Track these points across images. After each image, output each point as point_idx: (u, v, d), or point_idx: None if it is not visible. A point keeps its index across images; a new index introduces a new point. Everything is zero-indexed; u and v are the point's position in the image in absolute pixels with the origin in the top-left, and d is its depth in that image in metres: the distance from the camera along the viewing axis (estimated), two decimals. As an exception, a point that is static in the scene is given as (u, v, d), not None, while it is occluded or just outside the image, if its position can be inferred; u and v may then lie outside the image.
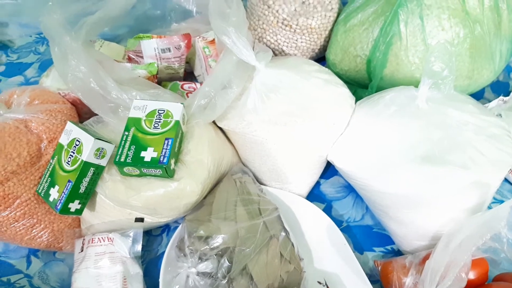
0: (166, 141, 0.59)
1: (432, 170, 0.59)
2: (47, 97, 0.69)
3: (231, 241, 0.59)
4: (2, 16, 0.96)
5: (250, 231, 0.60)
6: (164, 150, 0.58)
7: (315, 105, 0.67)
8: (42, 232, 0.63)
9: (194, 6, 0.84)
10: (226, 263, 0.58)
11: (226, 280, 0.57)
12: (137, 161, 0.58)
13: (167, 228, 0.70)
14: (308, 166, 0.71)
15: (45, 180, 0.60)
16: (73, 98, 0.73)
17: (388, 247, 0.69)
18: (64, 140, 0.61)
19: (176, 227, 0.66)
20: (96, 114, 0.71)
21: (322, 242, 0.67)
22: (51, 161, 0.61)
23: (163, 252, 0.66)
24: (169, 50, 0.79)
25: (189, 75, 0.88)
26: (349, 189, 0.75)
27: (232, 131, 0.70)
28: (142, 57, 0.79)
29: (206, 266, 0.59)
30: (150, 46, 0.78)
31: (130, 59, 0.80)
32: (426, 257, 0.59)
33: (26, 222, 0.61)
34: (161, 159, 0.58)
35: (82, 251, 0.61)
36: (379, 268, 0.65)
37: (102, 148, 0.59)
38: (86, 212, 0.62)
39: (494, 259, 0.57)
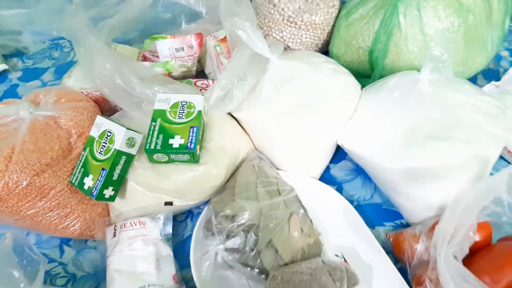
0: (191, 129, 0.64)
1: (437, 146, 0.65)
2: (72, 95, 0.73)
3: (255, 218, 0.63)
4: (16, 25, 1.00)
5: (271, 208, 0.65)
6: (190, 137, 0.63)
7: (325, 93, 0.72)
8: (75, 221, 0.66)
9: (204, 8, 0.89)
10: (253, 238, 0.62)
11: (253, 253, 0.62)
12: (167, 148, 0.62)
13: (190, 214, 0.74)
14: (320, 151, 0.76)
15: (78, 171, 0.64)
16: (96, 96, 0.77)
17: (397, 222, 0.74)
18: (94, 132, 0.65)
19: (199, 213, 0.70)
20: (117, 111, 0.76)
21: (337, 219, 0.71)
22: (82, 153, 0.65)
23: (189, 236, 0.71)
24: (183, 49, 0.84)
25: (200, 74, 0.92)
26: (358, 171, 0.81)
27: (248, 121, 0.75)
28: (157, 56, 0.84)
29: (233, 242, 0.63)
30: (165, 46, 0.83)
31: (145, 59, 0.85)
32: (435, 224, 0.64)
33: (60, 211, 0.65)
34: (189, 145, 0.62)
35: (114, 236, 0.65)
36: (391, 239, 0.70)
37: (132, 138, 0.63)
38: (116, 200, 0.66)
39: (496, 223, 0.63)
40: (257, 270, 0.62)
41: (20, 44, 0.97)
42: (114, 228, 0.66)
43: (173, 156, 0.63)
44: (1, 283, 0.47)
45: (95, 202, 0.68)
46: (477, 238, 0.62)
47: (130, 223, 0.65)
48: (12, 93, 0.90)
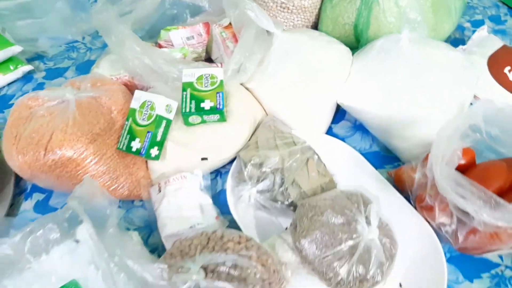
0: (217, 94, 0.76)
1: (423, 93, 0.79)
2: (105, 81, 0.84)
3: (279, 163, 0.75)
4: (32, 33, 1.10)
5: (291, 154, 0.76)
6: (218, 100, 0.75)
7: (323, 60, 0.86)
8: (123, 183, 0.76)
9: (206, 2, 1.01)
10: (279, 179, 0.74)
11: (281, 190, 0.73)
12: (200, 110, 0.73)
13: (219, 173, 0.84)
14: (322, 110, 0.88)
15: (124, 138, 0.74)
16: (124, 81, 0.88)
17: (395, 164, 0.87)
18: (135, 104, 0.76)
19: (226, 172, 0.81)
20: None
21: (344, 163, 0.83)
22: (126, 122, 0.75)
23: (221, 190, 0.81)
24: (193, 37, 0.96)
25: (207, 60, 1.04)
26: (356, 128, 0.94)
27: (258, 90, 0.87)
28: (172, 45, 0.95)
29: (263, 185, 0.74)
30: (178, 36, 0.95)
31: (161, 47, 0.96)
32: (427, 155, 0.78)
33: (111, 175, 0.75)
34: (218, 106, 0.74)
35: (160, 191, 0.75)
36: (393, 175, 0.83)
37: (170, 105, 0.74)
38: (157, 163, 0.77)
39: (477, 149, 0.76)
40: (286, 203, 0.73)
41: (39, 49, 1.06)
42: (159, 185, 0.76)
43: (205, 117, 0.74)
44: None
45: (138, 166, 0.79)
46: (462, 161, 0.76)
47: (173, 178, 0.75)
48: (40, 89, 0.99)
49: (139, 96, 0.76)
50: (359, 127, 0.93)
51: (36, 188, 0.81)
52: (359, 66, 0.86)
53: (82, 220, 0.58)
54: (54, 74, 1.03)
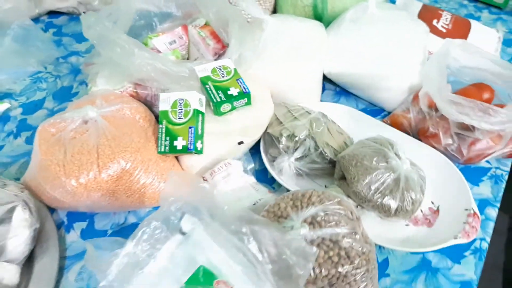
0: (238, 81, 0.81)
1: (393, 48, 0.94)
2: (114, 95, 0.83)
3: (307, 130, 0.83)
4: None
5: (312, 121, 0.85)
6: (241, 86, 0.80)
7: (305, 37, 0.96)
8: (170, 185, 0.77)
9: (173, 8, 1.05)
10: (312, 143, 0.82)
11: (317, 152, 0.82)
12: (229, 97, 0.78)
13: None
14: (314, 81, 0.99)
15: (164, 140, 0.76)
16: (129, 92, 0.88)
17: (382, 114, 1.01)
18: (165, 107, 0.77)
19: (252, 154, 0.87)
20: (146, 103, 0.88)
21: (346, 121, 0.94)
22: (160, 126, 0.76)
23: (255, 170, 0.87)
24: (175, 41, 0.99)
25: (185, 63, 1.07)
26: (338, 93, 1.06)
27: (257, 73, 0.94)
28: (158, 51, 0.97)
29: (299, 152, 0.82)
30: (160, 42, 0.97)
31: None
32: (415, 96, 0.93)
33: (159, 179, 0.75)
34: (244, 91, 0.80)
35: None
36: (389, 121, 0.96)
37: (201, 99, 0.78)
38: (196, 158, 0.79)
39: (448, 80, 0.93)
40: (325, 162, 0.82)
41: (3, 87, 0.99)
42: (204, 178, 0.79)
43: (235, 103, 0.79)
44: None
45: (176, 168, 0.80)
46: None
47: (218, 167, 0.79)
48: (25, 126, 0.93)
49: (167, 98, 0.78)
50: (341, 93, 1.06)
51: (73, 219, 0.77)
52: (335, 37, 0.99)
53: (183, 212, 0.59)
54: (32, 107, 0.97)
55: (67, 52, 1.13)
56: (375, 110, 1.02)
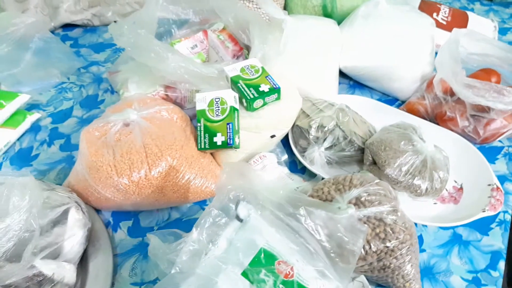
0: (267, 78, 0.86)
1: (404, 42, 1.00)
2: (150, 98, 0.86)
3: (334, 121, 0.88)
4: (8, 86, 1.03)
5: (338, 112, 0.90)
6: (271, 82, 0.84)
7: (321, 34, 1.01)
8: (210, 181, 0.80)
9: (191, 14, 1.08)
10: (340, 132, 0.87)
11: (346, 141, 0.86)
12: (262, 93, 0.82)
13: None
14: (331, 75, 1.03)
15: (203, 138, 0.79)
16: (161, 96, 0.91)
17: (396, 103, 1.06)
18: (202, 106, 0.81)
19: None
20: (176, 104, 0.92)
21: (363, 110, 0.99)
22: (198, 124, 0.80)
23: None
24: (196, 46, 1.02)
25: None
26: (352, 87, 1.11)
27: (280, 71, 0.98)
28: (182, 56, 1.01)
29: (328, 142, 0.87)
30: (183, 47, 1.00)
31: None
32: (429, 83, 0.99)
33: (201, 174, 0.79)
34: (274, 86, 0.84)
35: (246, 176, 0.82)
36: (405, 109, 1.01)
37: (235, 96, 0.82)
38: (231, 153, 0.83)
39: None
40: (354, 149, 0.86)
41: (30, 99, 1.01)
42: (241, 172, 0.82)
43: (267, 99, 0.83)
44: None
45: (214, 163, 0.83)
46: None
47: (253, 160, 0.83)
48: (57, 134, 0.96)
49: (203, 98, 0.81)
50: (355, 86, 1.11)
51: (118, 218, 0.80)
52: (349, 33, 1.04)
53: (239, 200, 0.63)
54: (61, 116, 0.99)
55: (87, 63, 1.16)
56: (389, 100, 1.07)
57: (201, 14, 1.09)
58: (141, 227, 0.79)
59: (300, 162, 0.89)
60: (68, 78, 1.10)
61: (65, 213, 0.68)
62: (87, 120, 0.98)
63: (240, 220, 0.63)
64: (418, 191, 0.79)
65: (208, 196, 0.81)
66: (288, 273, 0.57)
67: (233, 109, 0.80)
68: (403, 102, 1.07)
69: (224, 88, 0.86)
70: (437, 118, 0.95)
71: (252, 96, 0.82)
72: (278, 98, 0.85)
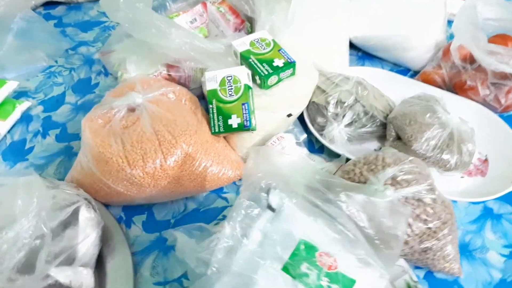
0: (280, 52, 0.79)
1: (416, 9, 0.94)
2: (153, 79, 0.79)
3: (353, 95, 0.82)
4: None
5: (355, 86, 0.84)
6: (285, 56, 0.78)
7: (330, 7, 0.94)
8: (227, 166, 0.74)
9: (186, -14, 1.00)
10: (361, 107, 0.81)
11: (367, 116, 0.81)
12: (276, 69, 0.76)
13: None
14: (342, 47, 0.97)
15: (216, 120, 0.73)
16: (163, 76, 0.84)
17: (408, 74, 1.01)
18: (212, 85, 0.74)
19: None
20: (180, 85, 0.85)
21: (380, 82, 0.93)
22: (210, 106, 0.73)
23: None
24: (196, 19, 0.94)
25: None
26: (361, 58, 1.05)
27: (290, 43, 0.91)
28: (180, 32, 0.92)
29: (348, 118, 0.81)
30: (182, 21, 0.92)
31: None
32: (445, 50, 0.93)
33: (218, 160, 0.73)
34: (289, 60, 0.77)
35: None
36: (420, 79, 0.96)
37: (248, 73, 0.75)
38: (245, 136, 0.77)
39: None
40: (376, 124, 0.81)
41: (18, 86, 0.91)
42: (258, 155, 0.77)
43: (281, 75, 0.77)
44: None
45: (228, 148, 0.77)
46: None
47: (271, 142, 0.77)
48: (51, 123, 0.87)
49: (213, 76, 0.74)
50: (364, 57, 1.06)
51: (130, 213, 0.73)
52: (358, 2, 0.97)
53: (269, 189, 0.57)
54: (53, 104, 0.90)
55: (75, 43, 1.06)
56: (401, 70, 1.02)
57: (195, -12, 1.01)
58: (157, 220, 0.73)
59: (317, 141, 0.83)
60: (56, 61, 1.00)
61: (75, 212, 0.61)
62: (82, 106, 0.90)
63: (273, 210, 0.57)
64: (447, 165, 0.75)
65: (225, 183, 0.76)
66: (331, 264, 0.53)
67: (247, 88, 0.73)
68: (415, 72, 1.02)
69: (233, 65, 0.80)
70: (456, 88, 0.91)
71: (266, 73, 0.75)
72: (293, 74, 0.79)
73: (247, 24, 1.01)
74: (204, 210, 0.74)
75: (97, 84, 0.95)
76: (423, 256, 0.64)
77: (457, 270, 0.64)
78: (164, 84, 0.76)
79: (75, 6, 1.17)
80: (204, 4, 0.96)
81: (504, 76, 0.84)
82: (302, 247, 0.54)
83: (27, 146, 0.83)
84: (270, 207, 0.57)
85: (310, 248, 0.54)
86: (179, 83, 0.86)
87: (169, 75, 0.85)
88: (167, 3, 1.01)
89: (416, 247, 0.63)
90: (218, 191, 0.77)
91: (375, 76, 0.95)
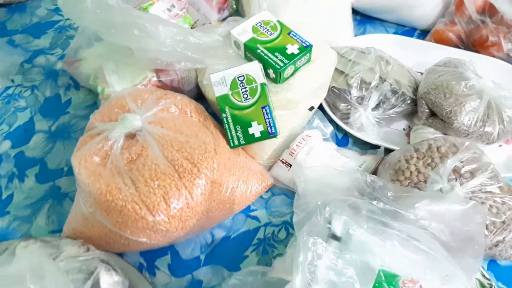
0: (291, 35, 0.67)
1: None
2: (146, 91, 0.65)
3: (377, 74, 0.72)
4: None
5: (376, 61, 0.74)
6: (298, 39, 0.66)
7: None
8: (253, 181, 0.64)
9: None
10: (388, 86, 0.72)
11: (396, 96, 0.72)
12: (291, 58, 0.63)
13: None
14: (345, 15, 0.86)
15: (234, 131, 0.61)
16: (154, 83, 0.70)
17: (415, 34, 0.92)
18: (222, 90, 0.61)
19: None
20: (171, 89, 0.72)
21: (391, 50, 0.83)
22: (223, 115, 0.61)
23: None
24: (173, 6, 0.79)
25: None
26: (362, 22, 0.95)
27: (292, 20, 0.78)
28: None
29: (374, 100, 0.72)
30: (159, 10, 0.77)
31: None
32: (458, 5, 0.84)
33: (244, 178, 0.62)
34: (304, 45, 0.65)
35: (290, 166, 0.66)
36: (432, 40, 0.87)
37: (262, 69, 0.63)
38: (266, 143, 0.66)
39: None
40: (407, 102, 0.72)
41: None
42: (283, 161, 0.66)
43: (298, 63, 0.65)
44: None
45: (249, 159, 0.66)
46: None
47: (296, 144, 0.67)
48: (26, 161, 0.72)
49: (220, 79, 0.62)
50: (364, 21, 0.96)
51: (150, 257, 0.62)
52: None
53: (331, 214, 0.48)
54: (22, 135, 0.74)
55: (29, 53, 0.86)
56: (406, 31, 0.93)
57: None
58: (184, 260, 0.61)
59: (338, 128, 0.74)
60: (12, 80, 0.82)
61: (96, 283, 0.49)
62: (58, 133, 0.74)
63: (338, 239, 0.48)
64: (491, 138, 0.68)
65: (253, 200, 0.66)
66: (418, 291, 0.45)
67: (264, 86, 0.61)
68: (422, 31, 0.92)
69: (235, 57, 0.67)
70: (476, 45, 0.83)
71: (282, 64, 0.63)
72: (309, 60, 0.67)
73: (231, 1, 0.87)
74: (236, 236, 0.64)
75: (69, 102, 0.79)
76: (493, 250, 0.58)
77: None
78: (160, 95, 0.63)
79: (17, 6, 0.96)
80: (181, -14, 0.80)
81: (529, 26, 0.76)
82: (383, 278, 0.46)
83: (4, 195, 0.68)
84: (334, 236, 0.48)
85: (391, 277, 0.47)
86: (171, 88, 0.73)
87: (159, 81, 0.71)
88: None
89: (487, 243, 0.56)
90: (245, 211, 0.66)
91: (385, 43, 0.85)
